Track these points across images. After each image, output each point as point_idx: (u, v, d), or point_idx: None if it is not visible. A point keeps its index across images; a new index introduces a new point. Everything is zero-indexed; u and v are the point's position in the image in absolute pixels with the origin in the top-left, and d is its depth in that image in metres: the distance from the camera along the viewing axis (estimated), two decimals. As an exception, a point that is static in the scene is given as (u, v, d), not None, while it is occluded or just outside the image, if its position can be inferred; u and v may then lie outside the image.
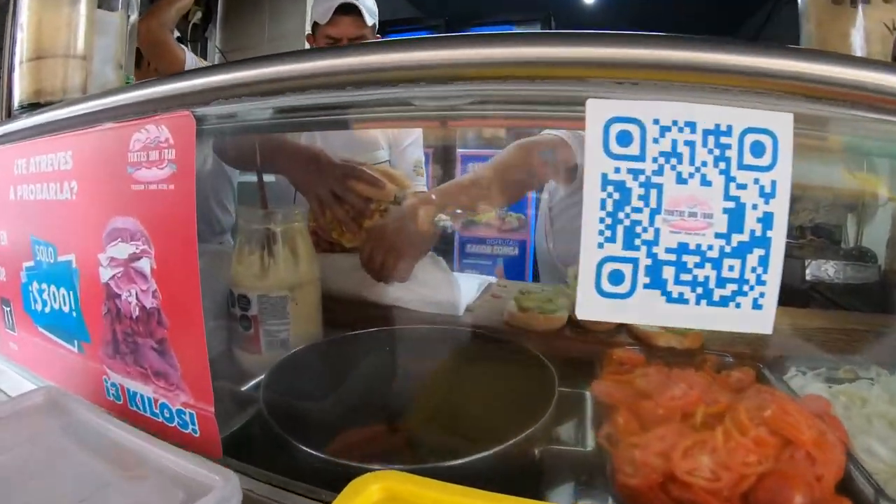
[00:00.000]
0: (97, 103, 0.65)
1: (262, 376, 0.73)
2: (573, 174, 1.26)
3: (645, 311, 0.43)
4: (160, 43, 1.58)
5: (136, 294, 0.58)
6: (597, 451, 0.63)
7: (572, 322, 0.94)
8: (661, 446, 0.59)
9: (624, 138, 0.42)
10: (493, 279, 1.21)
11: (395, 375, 0.79)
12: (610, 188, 0.42)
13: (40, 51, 0.85)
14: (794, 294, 1.98)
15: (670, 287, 0.43)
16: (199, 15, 2.15)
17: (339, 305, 0.94)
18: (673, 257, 0.42)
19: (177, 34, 1.73)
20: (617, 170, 0.42)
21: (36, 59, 0.84)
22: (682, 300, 0.42)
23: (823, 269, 1.92)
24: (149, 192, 0.57)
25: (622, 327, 0.95)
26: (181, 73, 0.74)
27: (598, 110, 0.42)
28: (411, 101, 0.55)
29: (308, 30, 1.51)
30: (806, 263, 1.93)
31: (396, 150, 1.46)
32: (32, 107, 0.84)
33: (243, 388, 0.71)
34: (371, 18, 1.41)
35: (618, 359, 0.83)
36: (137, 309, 0.59)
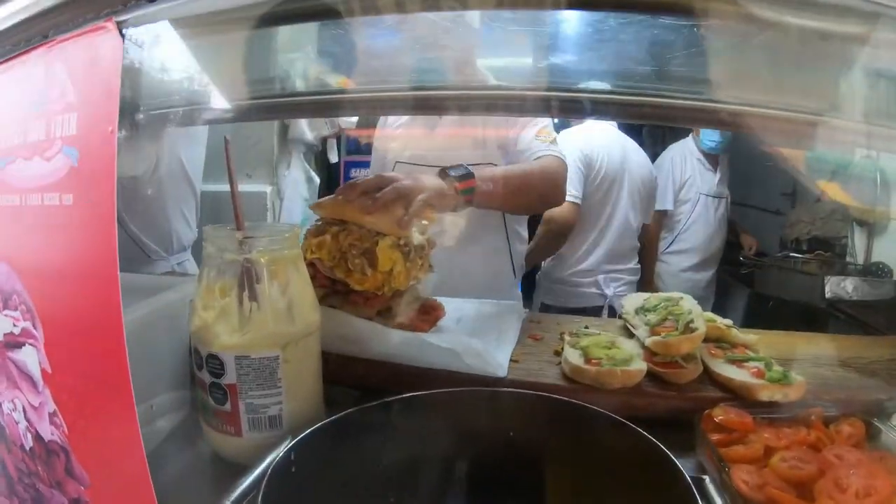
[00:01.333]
0: None
1: (251, 482, 0.48)
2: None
3: None
4: None
5: (24, 410, 0.32)
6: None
7: (649, 373, 0.73)
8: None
9: None
10: (523, 310, 0.98)
11: (463, 478, 0.55)
12: None
13: None
14: (816, 313, 1.86)
15: None
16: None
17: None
18: None
19: None
20: None
21: None
22: None
23: (842, 286, 1.80)
24: (25, 210, 0.29)
25: (707, 376, 0.75)
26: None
27: None
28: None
29: None
30: (825, 280, 1.80)
31: (519, 133, 1.24)
32: None
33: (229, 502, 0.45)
34: None
35: (721, 422, 0.66)
36: (30, 437, 0.32)
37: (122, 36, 0.23)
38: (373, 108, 0.91)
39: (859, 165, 2.18)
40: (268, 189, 2.52)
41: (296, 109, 0.89)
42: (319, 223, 0.84)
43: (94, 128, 0.23)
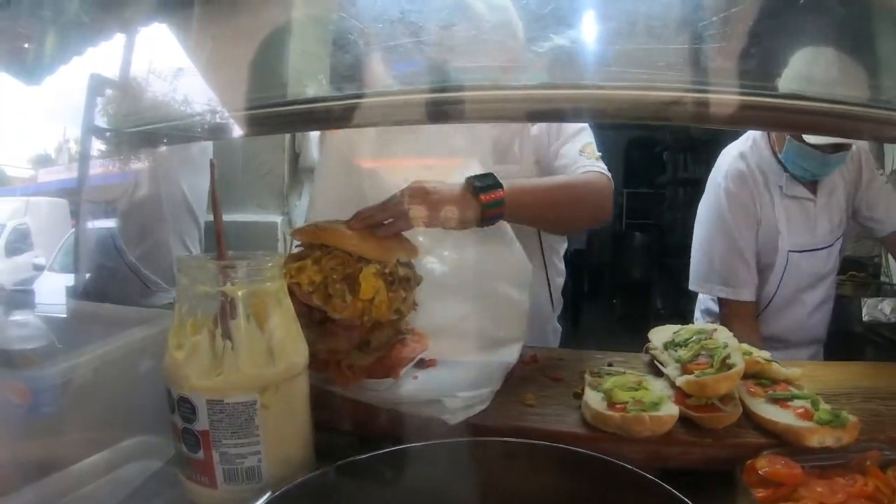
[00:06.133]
0: None
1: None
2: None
3: None
4: None
5: None
6: None
7: (682, 416, 0.64)
8: None
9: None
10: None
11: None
12: None
13: None
14: (853, 338, 1.74)
15: None
16: None
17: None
18: None
19: None
20: None
21: None
22: None
23: (879, 309, 1.68)
24: None
25: (747, 418, 0.67)
26: None
27: None
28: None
29: None
30: (862, 303, 1.69)
31: (559, 148, 1.12)
32: None
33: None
34: None
35: (766, 474, 0.57)
36: None
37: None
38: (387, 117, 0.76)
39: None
40: (279, 219, 2.48)
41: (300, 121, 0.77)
42: (301, 248, 0.77)
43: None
